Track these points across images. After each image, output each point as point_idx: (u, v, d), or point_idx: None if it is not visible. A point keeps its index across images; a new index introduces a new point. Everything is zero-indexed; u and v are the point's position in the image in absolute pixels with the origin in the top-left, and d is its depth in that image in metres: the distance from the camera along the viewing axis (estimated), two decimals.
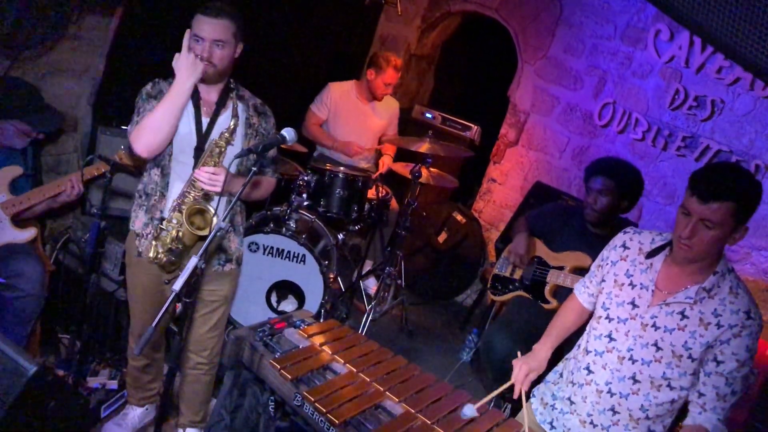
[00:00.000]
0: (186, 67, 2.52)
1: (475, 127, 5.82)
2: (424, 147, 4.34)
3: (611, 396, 2.23)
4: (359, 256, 5.27)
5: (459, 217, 5.43)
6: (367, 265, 5.10)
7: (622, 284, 2.27)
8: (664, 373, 2.15)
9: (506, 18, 5.50)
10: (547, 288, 3.68)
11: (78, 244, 3.79)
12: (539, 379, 2.57)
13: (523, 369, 2.39)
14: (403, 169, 4.79)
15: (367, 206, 4.50)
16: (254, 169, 2.30)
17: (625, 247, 2.34)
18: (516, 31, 5.45)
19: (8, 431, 2.14)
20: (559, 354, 2.61)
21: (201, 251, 2.13)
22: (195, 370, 3.04)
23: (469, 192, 6.19)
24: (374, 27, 6.17)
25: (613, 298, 2.28)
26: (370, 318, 4.42)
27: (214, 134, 2.67)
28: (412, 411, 2.17)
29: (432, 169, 4.64)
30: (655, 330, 2.16)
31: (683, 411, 2.27)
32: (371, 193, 4.61)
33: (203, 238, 2.63)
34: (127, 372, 3.22)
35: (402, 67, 4.86)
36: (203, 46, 2.56)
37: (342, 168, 4.37)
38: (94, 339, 3.59)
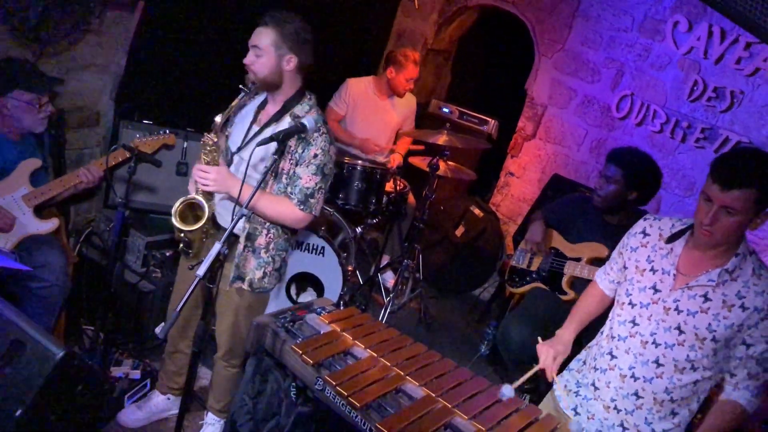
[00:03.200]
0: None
1: (493, 121, 5.82)
2: (441, 139, 4.35)
3: (635, 380, 2.24)
4: (377, 250, 5.30)
5: (477, 211, 5.43)
6: (385, 259, 5.12)
7: (644, 270, 2.28)
8: (687, 356, 2.16)
9: (523, 11, 5.50)
10: (564, 279, 3.68)
11: (101, 236, 3.85)
12: (563, 367, 2.58)
13: (550, 353, 2.40)
14: (421, 162, 4.80)
15: (385, 199, 4.52)
16: (275, 156, 2.33)
17: (645, 233, 2.34)
18: (533, 24, 5.45)
19: (38, 414, 2.20)
20: (579, 343, 2.62)
21: (224, 238, 2.17)
22: (217, 361, 3.10)
23: (487, 186, 6.19)
24: (391, 22, 6.19)
25: (635, 283, 2.29)
26: (388, 310, 4.44)
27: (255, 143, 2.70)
28: (433, 395, 2.19)
29: (449, 162, 4.65)
30: (678, 313, 2.16)
31: (708, 400, 2.29)
32: (389, 186, 4.64)
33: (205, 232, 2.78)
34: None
35: (420, 61, 4.89)
36: (249, 53, 2.65)
37: (360, 161, 4.39)
38: (118, 330, 3.66)
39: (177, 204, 2.72)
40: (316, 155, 2.64)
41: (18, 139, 3.19)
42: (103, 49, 3.80)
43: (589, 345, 2.55)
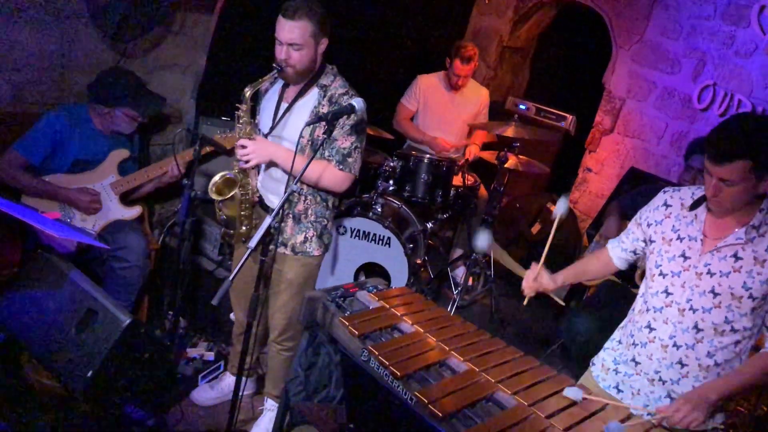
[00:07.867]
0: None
1: (570, 117, 5.73)
2: (509, 131, 4.32)
3: (677, 349, 2.23)
4: (450, 247, 5.29)
5: (553, 208, 5.32)
6: (457, 253, 5.11)
7: (670, 240, 2.28)
8: (725, 317, 2.15)
9: (600, 3, 5.38)
10: (638, 272, 3.58)
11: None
12: (596, 349, 2.59)
13: (531, 274, 2.56)
14: (491, 156, 4.76)
15: (453, 192, 4.52)
16: (325, 136, 2.43)
17: (667, 205, 2.35)
18: (610, 16, 5.32)
19: (106, 376, 2.37)
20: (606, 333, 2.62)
21: (274, 212, 2.27)
22: (271, 345, 3.19)
23: (566, 183, 6.06)
24: (467, 20, 6.21)
25: (663, 254, 2.29)
26: (456, 304, 4.44)
27: (290, 119, 2.81)
28: (476, 369, 2.19)
29: (521, 156, 4.59)
30: (711, 276, 2.16)
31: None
32: (458, 180, 4.63)
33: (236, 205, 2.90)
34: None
35: (474, 57, 4.76)
36: (281, 50, 2.66)
37: (427, 154, 4.41)
38: (195, 314, 3.85)
39: (215, 178, 2.88)
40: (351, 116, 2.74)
41: (110, 135, 3.47)
42: (185, 51, 4.06)
43: (621, 325, 2.53)
